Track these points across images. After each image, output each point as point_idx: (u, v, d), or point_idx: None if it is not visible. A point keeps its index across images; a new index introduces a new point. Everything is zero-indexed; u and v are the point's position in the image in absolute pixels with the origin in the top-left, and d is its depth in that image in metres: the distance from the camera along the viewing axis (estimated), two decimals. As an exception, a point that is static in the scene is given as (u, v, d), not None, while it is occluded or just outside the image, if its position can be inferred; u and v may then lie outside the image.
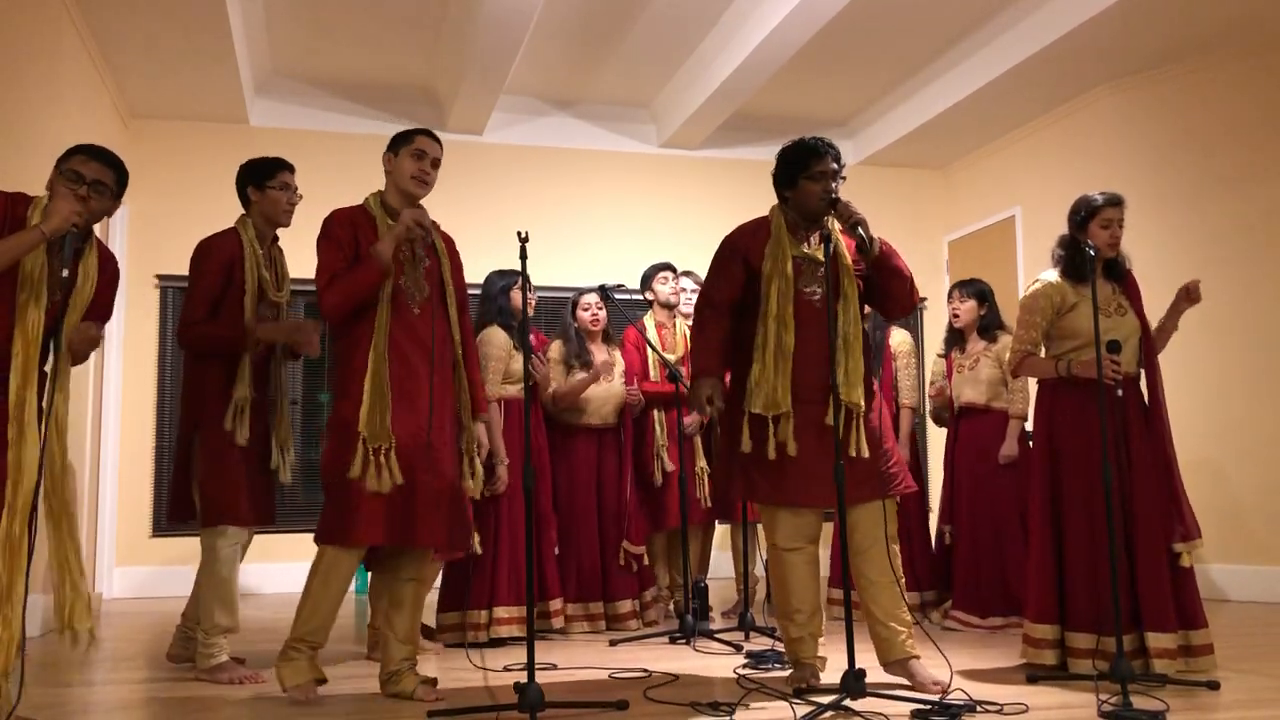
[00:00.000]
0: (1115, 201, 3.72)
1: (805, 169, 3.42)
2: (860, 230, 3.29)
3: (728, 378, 3.54)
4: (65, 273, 2.76)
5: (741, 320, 3.49)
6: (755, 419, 3.34)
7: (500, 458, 4.39)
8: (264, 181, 3.78)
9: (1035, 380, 3.92)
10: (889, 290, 3.47)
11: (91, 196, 2.92)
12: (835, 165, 3.42)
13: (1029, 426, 4.84)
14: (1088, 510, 3.58)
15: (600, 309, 4.89)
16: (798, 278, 3.40)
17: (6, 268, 2.73)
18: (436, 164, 3.36)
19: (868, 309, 3.71)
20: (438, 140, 3.38)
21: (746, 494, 3.48)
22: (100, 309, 3.04)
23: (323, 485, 3.20)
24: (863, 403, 3.36)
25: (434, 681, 3.28)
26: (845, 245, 3.49)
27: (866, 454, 3.34)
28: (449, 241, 3.48)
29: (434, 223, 3.40)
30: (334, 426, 3.20)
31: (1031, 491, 3.80)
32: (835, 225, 3.46)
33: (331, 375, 3.32)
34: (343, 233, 3.25)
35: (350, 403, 3.17)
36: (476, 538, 3.97)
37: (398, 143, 3.36)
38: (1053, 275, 3.78)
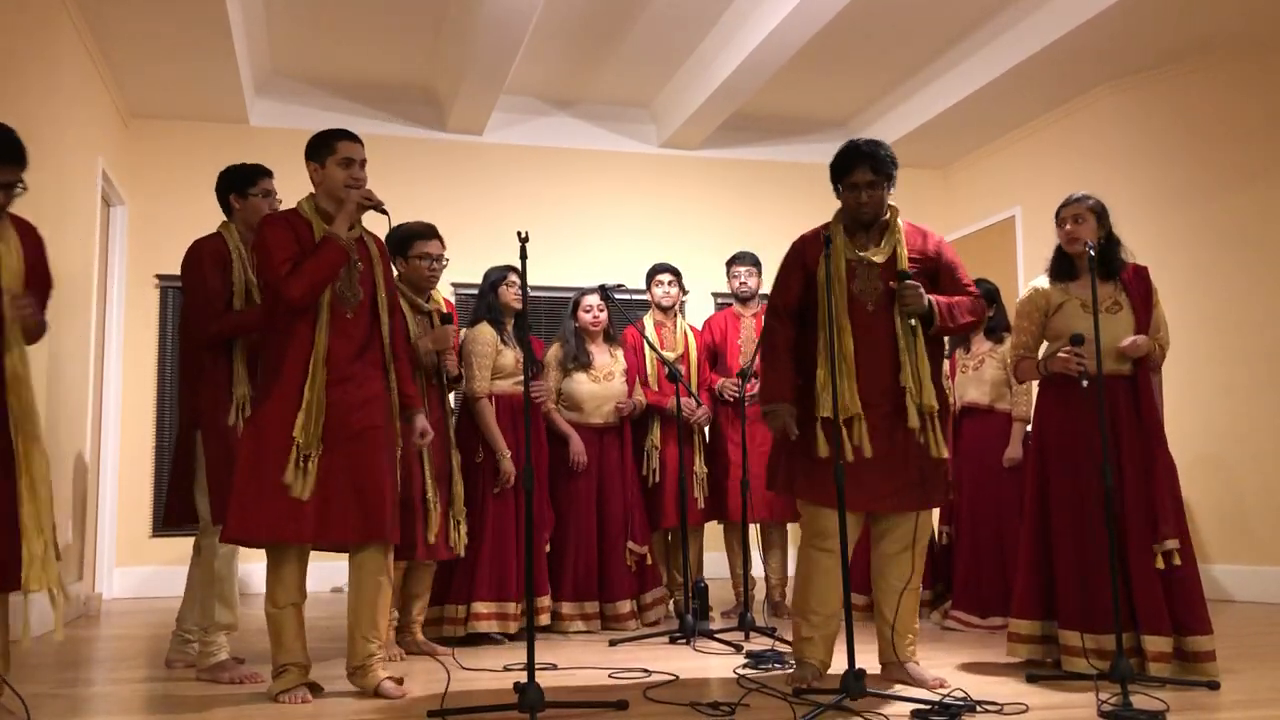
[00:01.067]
0: (1069, 200, 3.78)
1: (840, 179, 3.46)
2: (913, 324, 3.36)
3: None
4: None
5: (804, 326, 3.50)
6: (828, 423, 3.33)
7: (501, 452, 4.40)
8: (246, 189, 3.82)
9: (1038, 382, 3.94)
10: (955, 332, 3.58)
11: (3, 196, 2.93)
12: (872, 175, 3.40)
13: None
14: (1073, 509, 3.59)
15: (602, 311, 4.89)
16: (851, 280, 3.40)
17: None
18: (364, 164, 3.35)
19: None
20: (358, 140, 3.37)
21: (787, 489, 3.49)
22: (38, 279, 3.06)
23: (233, 483, 3.18)
24: (936, 405, 3.37)
25: (400, 680, 3.31)
26: (903, 246, 3.47)
27: (946, 455, 3.39)
28: (379, 244, 3.49)
29: (366, 229, 3.44)
30: (257, 426, 3.18)
31: (1024, 489, 3.85)
32: (899, 223, 3.48)
33: (258, 373, 3.33)
34: (285, 232, 3.24)
35: (275, 405, 3.17)
36: (444, 538, 3.98)
37: (320, 151, 3.32)
38: (1042, 280, 3.85)
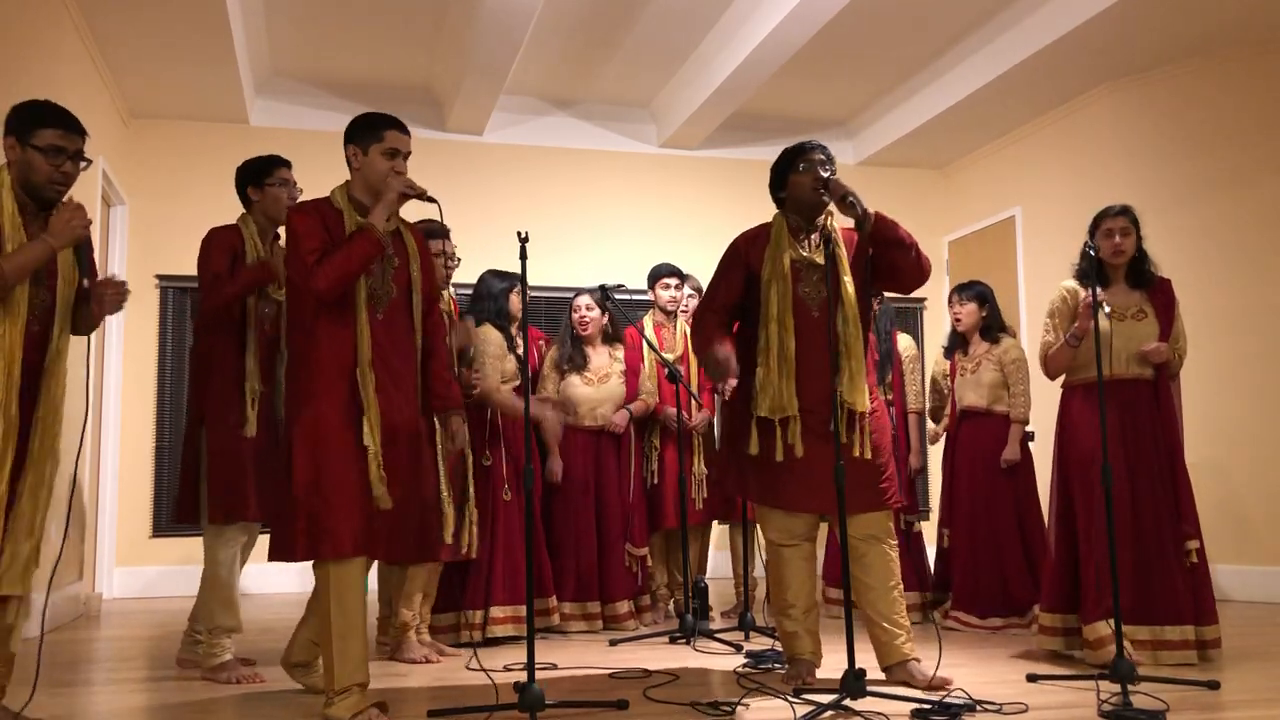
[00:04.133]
0: (1115, 212, 3.95)
1: (793, 165, 3.48)
2: (852, 202, 3.22)
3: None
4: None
5: (743, 325, 3.53)
6: (763, 422, 3.37)
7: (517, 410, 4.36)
8: (263, 179, 3.80)
9: (1058, 384, 4.08)
10: (894, 262, 3.40)
11: (73, 168, 2.91)
12: (822, 157, 3.46)
13: (1029, 428, 4.88)
14: (1100, 510, 3.67)
15: (591, 310, 4.86)
16: (796, 282, 3.41)
17: (25, 280, 2.74)
18: (408, 157, 3.15)
19: (876, 305, 3.74)
20: (407, 131, 3.16)
21: (739, 490, 3.56)
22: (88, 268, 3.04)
23: (295, 498, 2.88)
24: (867, 407, 3.37)
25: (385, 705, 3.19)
26: (844, 245, 3.46)
27: (869, 456, 3.36)
28: (418, 237, 3.28)
29: (404, 220, 3.22)
30: (310, 429, 2.91)
31: (1050, 490, 4.00)
32: (835, 225, 3.46)
33: (290, 374, 3.05)
34: (314, 221, 2.99)
35: (324, 406, 2.91)
36: (457, 537, 3.94)
37: (364, 136, 3.08)
38: (1072, 282, 4.01)
